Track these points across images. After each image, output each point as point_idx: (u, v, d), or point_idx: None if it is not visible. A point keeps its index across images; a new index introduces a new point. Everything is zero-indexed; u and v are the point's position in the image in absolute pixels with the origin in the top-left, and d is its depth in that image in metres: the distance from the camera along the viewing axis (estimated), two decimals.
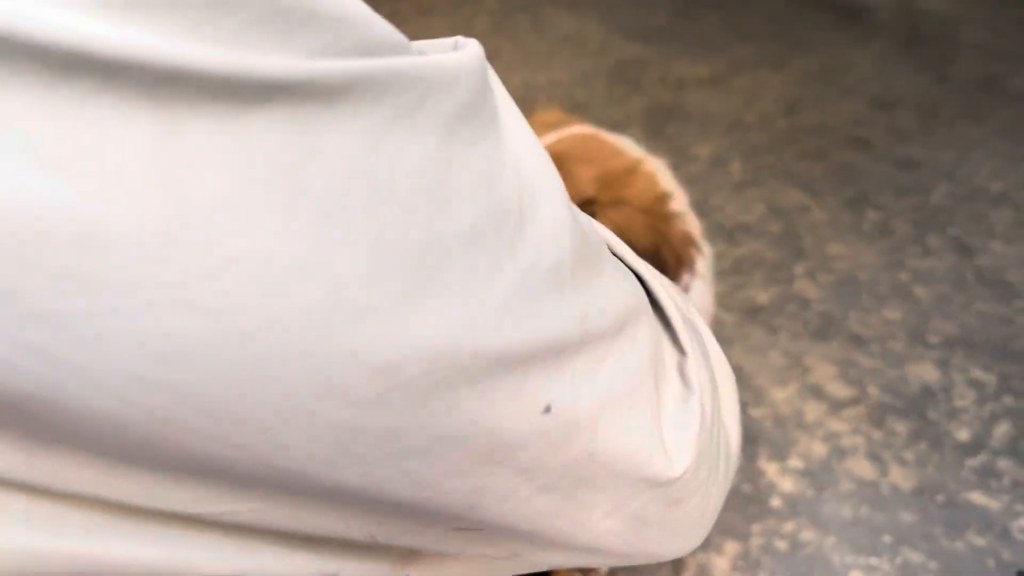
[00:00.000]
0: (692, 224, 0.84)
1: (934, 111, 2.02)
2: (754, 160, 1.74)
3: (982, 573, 0.91)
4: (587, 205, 0.77)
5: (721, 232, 1.49)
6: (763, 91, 2.06)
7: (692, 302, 0.88)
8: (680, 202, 0.83)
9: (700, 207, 1.53)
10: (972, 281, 1.41)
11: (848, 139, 1.85)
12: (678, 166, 1.69)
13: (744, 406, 1.11)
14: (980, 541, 0.95)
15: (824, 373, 1.18)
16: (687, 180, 1.64)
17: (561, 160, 0.80)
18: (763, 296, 1.33)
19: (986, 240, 1.52)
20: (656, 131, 1.84)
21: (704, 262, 0.87)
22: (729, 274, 1.38)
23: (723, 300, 1.31)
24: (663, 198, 0.80)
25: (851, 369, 1.19)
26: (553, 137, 0.84)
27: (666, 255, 0.78)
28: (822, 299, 1.33)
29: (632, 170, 0.81)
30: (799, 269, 1.40)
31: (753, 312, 1.29)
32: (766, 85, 2.09)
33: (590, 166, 0.80)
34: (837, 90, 2.10)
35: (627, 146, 0.87)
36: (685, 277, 0.83)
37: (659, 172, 0.84)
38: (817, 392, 1.14)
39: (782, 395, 1.13)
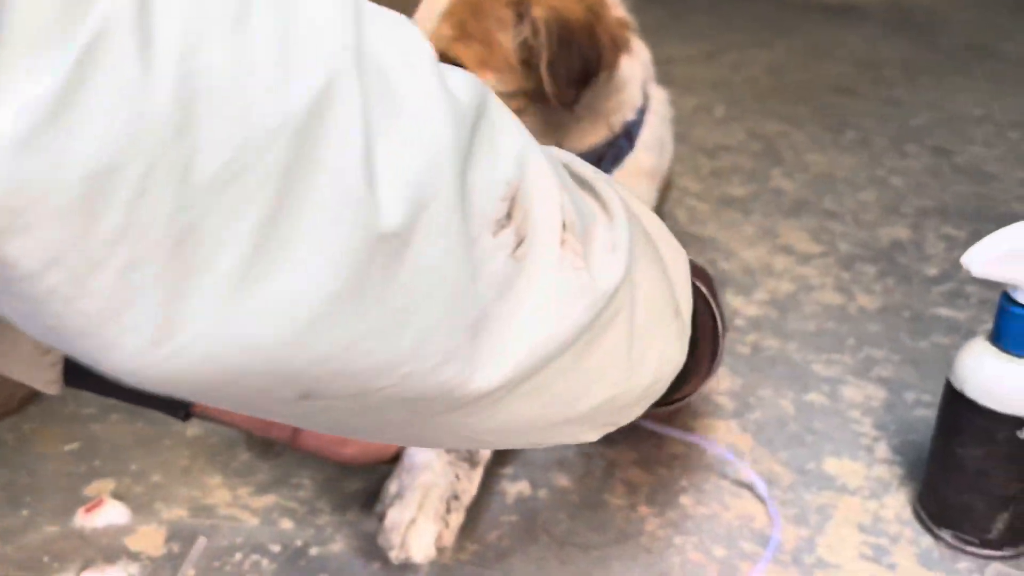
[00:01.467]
0: (627, 14, 0.89)
1: (921, 68, 2.06)
2: (738, 105, 1.79)
3: (946, 363, 0.91)
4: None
5: (702, 151, 1.53)
6: (750, 62, 2.13)
7: (635, 77, 0.92)
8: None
9: (682, 138, 1.58)
10: (949, 172, 1.43)
11: (833, 88, 1.90)
12: None
13: (712, 262, 1.14)
14: (945, 340, 0.96)
15: (795, 237, 1.20)
16: (672, 121, 1.70)
17: None
18: (740, 191, 1.36)
19: (965, 145, 1.54)
20: None
21: (640, 53, 0.91)
22: (708, 178, 1.42)
23: (700, 196, 1.35)
24: None
25: (823, 234, 1.21)
26: None
27: (601, 35, 0.83)
28: (797, 190, 1.36)
29: None
30: (776, 172, 1.44)
31: (729, 201, 1.33)
32: (754, 59, 2.16)
33: None
34: (824, 58, 2.16)
35: None
36: (624, 62, 0.88)
37: None
38: (787, 250, 1.17)
39: (752, 253, 1.16)
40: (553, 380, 0.39)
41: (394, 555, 0.63)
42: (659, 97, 1.01)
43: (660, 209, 1.02)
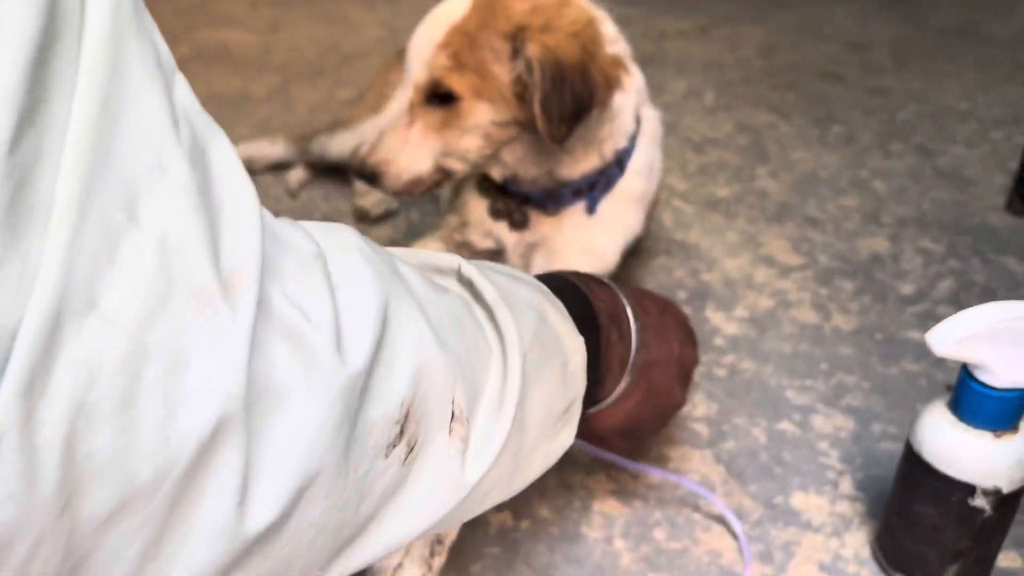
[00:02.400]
0: (622, 49, 0.90)
1: (910, 52, 2.07)
2: (728, 91, 1.80)
3: (913, 391, 0.96)
4: (520, 32, 0.84)
5: (689, 144, 1.55)
6: (743, 39, 2.13)
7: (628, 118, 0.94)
8: (611, 30, 0.89)
9: (671, 128, 1.59)
10: (931, 175, 1.45)
11: (822, 74, 1.91)
12: (653, 98, 1.76)
13: (695, 272, 1.17)
14: (914, 367, 0.99)
15: (777, 247, 1.23)
16: (662, 108, 1.70)
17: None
18: (725, 191, 1.39)
19: (948, 145, 1.57)
20: None
21: (633, 82, 0.93)
22: (694, 175, 1.44)
23: (686, 196, 1.37)
24: (592, 22, 0.86)
25: (803, 243, 1.24)
26: None
27: (594, 74, 0.84)
28: (782, 192, 1.38)
29: (566, 2, 0.87)
30: (762, 170, 1.46)
31: (714, 203, 1.35)
32: (747, 35, 2.16)
33: (526, 0, 0.86)
34: (816, 37, 2.16)
35: None
36: (617, 96, 0.89)
37: (591, 6, 0.90)
38: (768, 261, 1.20)
39: (734, 264, 1.19)
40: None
41: None
42: (651, 118, 1.02)
43: (646, 227, 1.05)
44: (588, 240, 0.97)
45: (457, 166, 0.90)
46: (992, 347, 0.62)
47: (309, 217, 1.27)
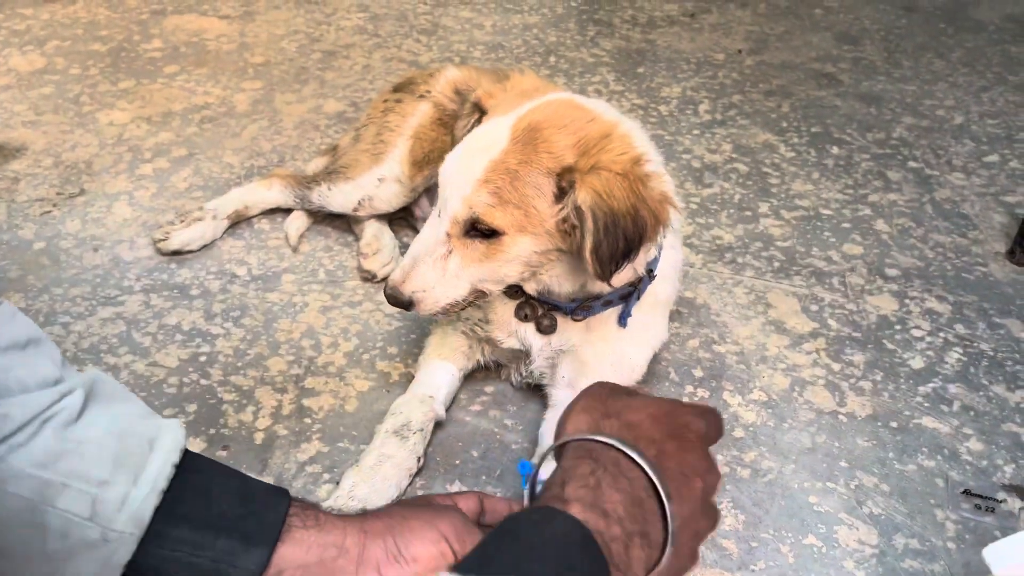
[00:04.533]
0: (667, 182, 0.87)
1: (899, 46, 2.04)
2: (721, 98, 1.77)
3: (931, 493, 0.98)
4: (567, 173, 0.81)
5: (690, 173, 1.53)
6: (732, 28, 2.08)
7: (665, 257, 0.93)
8: (654, 161, 0.87)
9: (670, 150, 1.57)
10: (931, 211, 1.46)
11: (815, 76, 1.88)
12: (648, 107, 1.72)
13: (708, 343, 1.17)
14: (930, 463, 1.02)
15: (786, 308, 1.23)
16: (658, 122, 1.67)
17: (539, 129, 0.83)
18: (730, 236, 1.38)
19: (945, 173, 1.57)
20: (627, 72, 1.86)
21: (677, 216, 0.90)
22: (698, 213, 1.42)
23: (692, 242, 1.36)
24: (639, 160, 0.83)
25: (812, 304, 1.24)
26: (529, 106, 0.87)
27: (644, 215, 0.82)
28: (786, 236, 1.38)
29: (607, 134, 0.84)
30: (764, 207, 1.45)
31: (720, 251, 1.34)
32: (736, 22, 2.11)
33: (567, 133, 0.83)
34: (805, 27, 2.12)
35: (601, 109, 0.89)
36: (661, 234, 0.87)
37: (633, 133, 0.87)
38: (779, 327, 1.20)
39: (746, 331, 1.19)
40: None
41: None
42: (676, 218, 1.00)
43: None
44: (618, 353, 0.96)
45: (494, 288, 0.89)
46: None
47: (313, 276, 1.25)
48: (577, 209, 0.80)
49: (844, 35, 2.07)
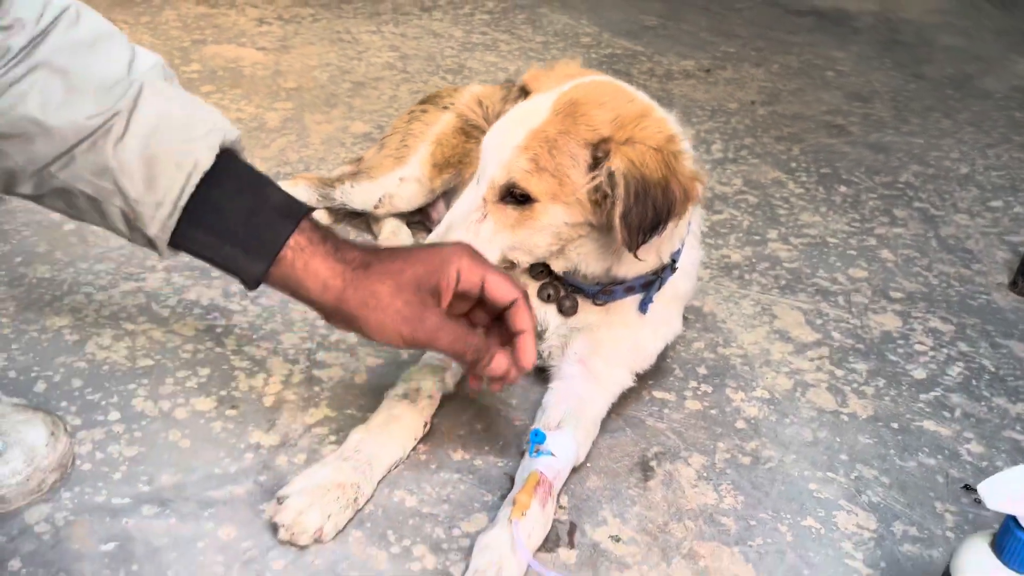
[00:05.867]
0: (697, 162, 0.91)
1: (908, 105, 2.11)
2: (734, 140, 1.82)
3: (931, 487, 0.98)
4: (603, 143, 0.85)
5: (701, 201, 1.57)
6: (746, 83, 2.15)
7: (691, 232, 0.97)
8: (687, 145, 0.91)
9: None
10: (935, 245, 1.49)
11: (825, 126, 1.94)
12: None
13: (714, 346, 1.19)
14: (930, 461, 1.02)
15: (791, 320, 1.25)
16: None
17: (579, 103, 0.88)
18: (738, 256, 1.41)
19: (951, 214, 1.60)
20: None
21: (699, 215, 0.94)
22: (707, 236, 1.46)
23: (702, 258, 1.39)
24: (673, 138, 0.87)
25: (817, 318, 1.26)
26: (572, 84, 0.91)
27: (674, 189, 0.85)
28: (793, 259, 1.41)
29: (645, 114, 0.88)
30: (773, 233, 1.48)
31: (728, 268, 1.37)
32: (749, 78, 2.18)
33: (606, 109, 0.87)
34: (817, 84, 2.19)
35: (641, 95, 0.94)
36: (690, 208, 0.90)
37: (669, 118, 0.92)
38: (783, 335, 1.22)
39: (751, 338, 1.21)
40: None
41: None
42: (697, 216, 1.04)
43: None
44: (636, 338, 0.99)
45: (524, 259, 0.92)
46: None
47: None
48: (610, 176, 0.83)
49: (855, 94, 2.14)
